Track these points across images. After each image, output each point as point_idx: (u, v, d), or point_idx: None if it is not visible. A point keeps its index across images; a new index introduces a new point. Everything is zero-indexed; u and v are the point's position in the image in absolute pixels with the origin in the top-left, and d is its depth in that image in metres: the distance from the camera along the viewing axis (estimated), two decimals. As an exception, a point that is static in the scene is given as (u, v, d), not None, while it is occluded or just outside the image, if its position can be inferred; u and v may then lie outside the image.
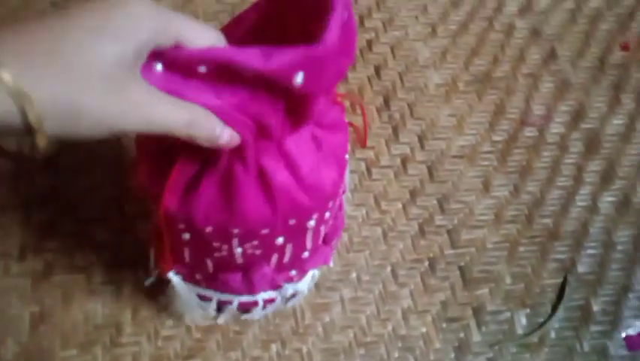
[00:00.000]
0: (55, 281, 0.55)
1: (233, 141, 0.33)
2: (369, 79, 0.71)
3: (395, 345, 0.56)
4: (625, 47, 0.77)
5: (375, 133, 0.67)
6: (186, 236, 0.40)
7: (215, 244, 0.40)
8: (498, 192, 0.65)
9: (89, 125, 0.27)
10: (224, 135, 0.32)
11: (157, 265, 0.47)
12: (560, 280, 0.61)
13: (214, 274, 0.45)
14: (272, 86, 0.31)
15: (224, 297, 0.49)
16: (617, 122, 0.71)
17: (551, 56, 0.75)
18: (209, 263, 0.44)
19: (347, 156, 0.43)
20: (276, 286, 0.49)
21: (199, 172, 0.37)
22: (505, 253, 0.62)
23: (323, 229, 0.45)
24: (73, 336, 0.53)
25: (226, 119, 0.32)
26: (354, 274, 0.59)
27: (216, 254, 0.42)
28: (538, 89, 0.72)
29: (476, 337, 0.57)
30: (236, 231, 0.39)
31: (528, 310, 0.59)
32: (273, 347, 0.55)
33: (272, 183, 0.37)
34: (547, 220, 0.64)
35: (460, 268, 0.60)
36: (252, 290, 0.47)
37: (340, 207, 0.50)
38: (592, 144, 0.69)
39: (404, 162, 0.66)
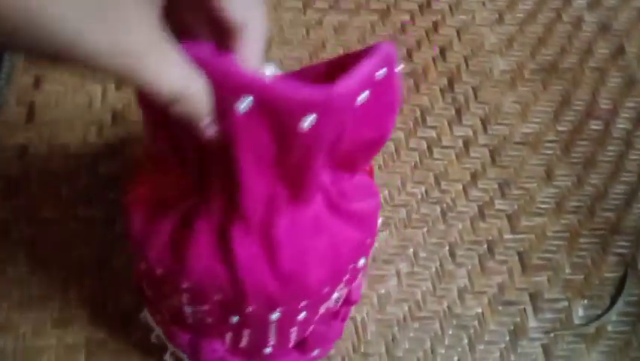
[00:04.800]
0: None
1: (212, 138, 0.27)
2: (433, 60, 0.71)
3: (450, 323, 0.56)
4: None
5: (437, 113, 0.67)
6: (142, 266, 0.37)
7: (165, 291, 0.37)
8: (560, 181, 0.64)
9: (49, 41, 0.20)
10: (209, 129, 0.27)
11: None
12: (619, 274, 0.60)
13: (169, 321, 0.41)
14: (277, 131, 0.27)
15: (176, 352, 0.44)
16: (684, 123, 0.70)
17: (619, 51, 0.74)
18: (163, 309, 0.40)
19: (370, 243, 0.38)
20: None
21: (165, 208, 0.34)
22: (566, 243, 0.61)
23: (295, 331, 0.40)
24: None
25: None
26: (411, 250, 0.59)
27: (168, 301, 0.38)
28: (604, 83, 0.71)
29: (532, 322, 0.56)
30: (185, 285, 0.34)
31: (586, 302, 0.58)
32: (328, 314, 0.55)
33: (234, 251, 0.32)
34: (610, 214, 0.63)
35: (519, 254, 0.59)
36: (195, 357, 0.42)
37: (338, 316, 0.46)
38: (658, 142, 0.68)
39: (466, 144, 0.65)
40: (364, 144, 0.32)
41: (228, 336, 0.40)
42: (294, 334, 0.41)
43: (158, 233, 0.33)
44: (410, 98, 0.67)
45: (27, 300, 0.53)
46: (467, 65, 0.71)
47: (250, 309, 0.35)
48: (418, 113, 0.67)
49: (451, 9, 0.75)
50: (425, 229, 0.60)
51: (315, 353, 0.46)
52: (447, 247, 0.59)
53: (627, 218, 0.62)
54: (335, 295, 0.39)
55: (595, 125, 0.68)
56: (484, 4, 0.76)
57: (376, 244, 0.56)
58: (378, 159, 0.63)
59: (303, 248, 0.33)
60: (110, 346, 0.52)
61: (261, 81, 0.25)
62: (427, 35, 0.72)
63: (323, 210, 0.34)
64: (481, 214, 0.61)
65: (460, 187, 0.63)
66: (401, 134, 0.65)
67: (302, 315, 0.37)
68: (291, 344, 0.43)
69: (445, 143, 0.65)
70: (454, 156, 0.64)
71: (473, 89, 0.69)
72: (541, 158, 0.65)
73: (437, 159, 0.64)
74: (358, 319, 0.55)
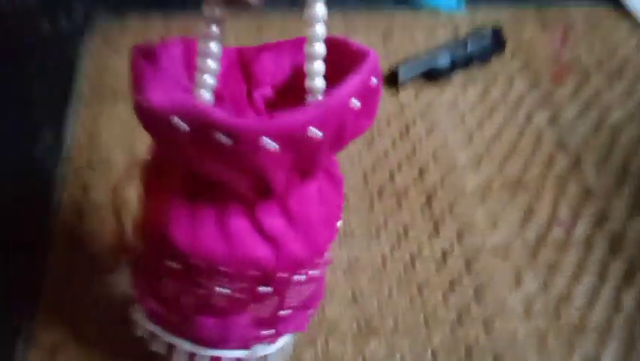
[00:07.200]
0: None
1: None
2: (414, 180, 0.81)
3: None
4: None
5: (418, 228, 0.77)
6: (173, 265, 0.40)
7: (200, 280, 0.41)
8: (528, 285, 0.72)
9: None
10: None
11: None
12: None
13: (189, 315, 0.45)
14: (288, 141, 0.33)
15: (191, 348, 0.48)
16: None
17: (576, 163, 0.84)
18: (188, 301, 0.44)
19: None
20: (245, 344, 0.48)
21: (202, 207, 0.38)
22: (535, 343, 0.68)
23: (306, 289, 0.45)
24: None
25: None
26: (398, 355, 0.67)
27: (197, 290, 0.42)
28: (565, 193, 0.81)
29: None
30: (224, 269, 0.39)
31: (556, 397, 0.65)
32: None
33: (268, 231, 0.38)
34: (575, 313, 0.70)
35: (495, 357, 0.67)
36: (223, 338, 0.46)
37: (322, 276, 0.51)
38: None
39: (444, 255, 0.74)
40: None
41: (254, 307, 0.44)
42: (305, 292, 0.46)
43: (203, 231, 0.38)
44: (394, 216, 0.77)
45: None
46: (442, 183, 0.81)
47: (284, 275, 0.41)
48: (401, 229, 0.76)
49: (427, 133, 0.86)
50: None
51: (310, 312, 0.51)
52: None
53: (590, 318, 0.70)
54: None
55: (557, 232, 0.77)
56: (455, 127, 0.87)
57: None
58: (366, 270, 0.72)
59: (314, 216, 0.40)
60: None
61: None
62: (408, 158, 0.84)
63: (323, 180, 0.41)
64: (460, 321, 0.69)
65: (440, 296, 0.71)
66: (386, 249, 0.74)
67: (313, 272, 0.43)
68: (300, 301, 0.47)
69: (425, 254, 0.74)
70: (434, 267, 0.73)
71: (449, 204, 0.79)
72: (509, 265, 0.74)
73: (418, 271, 0.73)
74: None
